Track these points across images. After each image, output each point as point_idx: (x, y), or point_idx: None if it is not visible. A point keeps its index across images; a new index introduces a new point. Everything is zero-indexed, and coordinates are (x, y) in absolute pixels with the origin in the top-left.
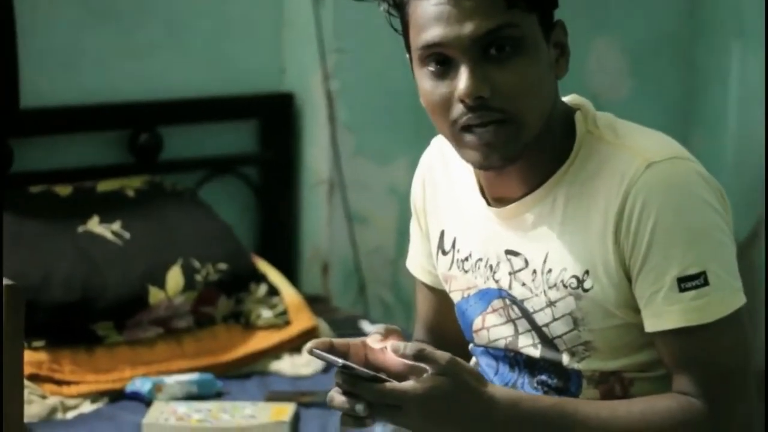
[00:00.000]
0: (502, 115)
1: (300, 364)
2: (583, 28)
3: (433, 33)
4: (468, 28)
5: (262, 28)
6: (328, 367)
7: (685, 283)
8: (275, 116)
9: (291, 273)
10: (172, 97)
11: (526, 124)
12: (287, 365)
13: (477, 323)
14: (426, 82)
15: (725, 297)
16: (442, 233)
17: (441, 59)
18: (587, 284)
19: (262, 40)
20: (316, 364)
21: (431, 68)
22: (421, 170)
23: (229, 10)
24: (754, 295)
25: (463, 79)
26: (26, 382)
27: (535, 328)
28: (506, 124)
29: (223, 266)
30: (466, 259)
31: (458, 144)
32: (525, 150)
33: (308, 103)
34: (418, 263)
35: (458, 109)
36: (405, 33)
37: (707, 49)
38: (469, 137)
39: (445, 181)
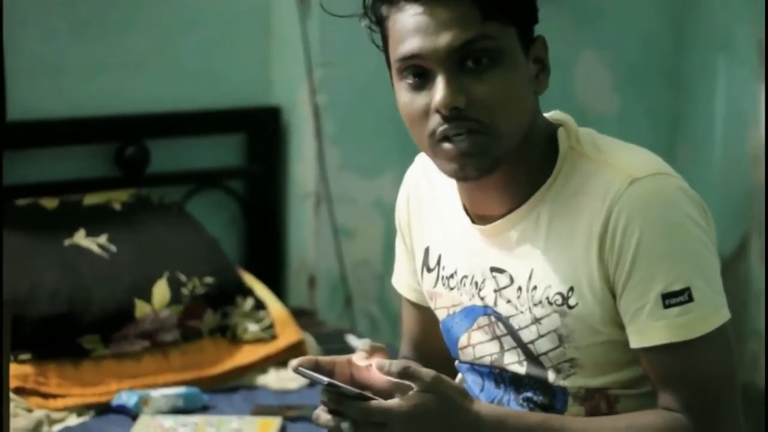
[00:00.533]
0: (478, 125)
1: (286, 378)
2: (570, 43)
3: (411, 45)
4: (444, 39)
5: (249, 41)
6: (314, 382)
7: (669, 299)
8: (262, 130)
9: (277, 286)
10: (159, 110)
11: (501, 135)
12: (273, 379)
13: (462, 340)
14: (404, 94)
15: (710, 313)
16: (427, 250)
17: (419, 71)
18: (572, 301)
19: (249, 54)
20: (302, 379)
21: (409, 81)
22: (405, 187)
23: (216, 24)
24: (739, 309)
25: (439, 90)
26: (12, 395)
27: (521, 345)
28: (482, 134)
29: (209, 280)
30: (452, 276)
31: (435, 156)
32: (500, 162)
33: (295, 116)
34: (403, 280)
35: (435, 120)
36: (385, 48)
37: (693, 64)
38: (445, 148)
39: (429, 198)
